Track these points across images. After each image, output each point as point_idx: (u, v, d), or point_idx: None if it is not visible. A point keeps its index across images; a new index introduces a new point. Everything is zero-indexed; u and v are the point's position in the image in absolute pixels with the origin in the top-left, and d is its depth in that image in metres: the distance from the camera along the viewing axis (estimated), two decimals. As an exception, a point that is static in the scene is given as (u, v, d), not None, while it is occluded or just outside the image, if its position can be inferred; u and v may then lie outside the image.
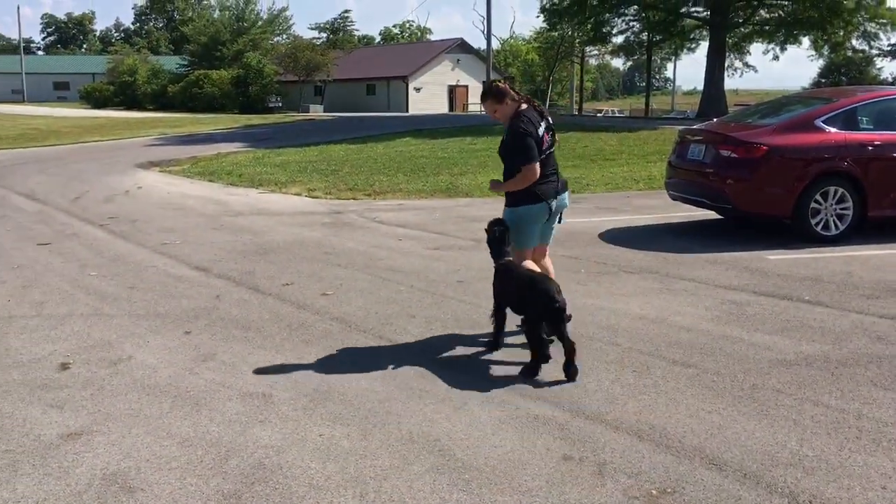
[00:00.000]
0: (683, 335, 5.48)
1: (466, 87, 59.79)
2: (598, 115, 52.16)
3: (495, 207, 11.44)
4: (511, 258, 5.09)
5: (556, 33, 50.55)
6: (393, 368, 4.93)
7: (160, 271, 7.61)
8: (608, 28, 40.31)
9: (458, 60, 59.45)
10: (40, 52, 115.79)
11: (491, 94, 5.11)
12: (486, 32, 44.26)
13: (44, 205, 12.15)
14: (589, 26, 39.30)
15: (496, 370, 4.87)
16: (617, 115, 58.16)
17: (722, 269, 7.35)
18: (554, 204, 5.20)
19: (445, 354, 5.18)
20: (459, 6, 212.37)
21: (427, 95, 56.74)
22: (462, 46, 60.69)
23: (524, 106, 5.15)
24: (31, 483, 3.51)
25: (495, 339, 5.21)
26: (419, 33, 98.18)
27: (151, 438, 3.96)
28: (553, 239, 5.54)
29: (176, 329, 5.78)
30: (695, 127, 10.49)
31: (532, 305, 4.72)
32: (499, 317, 5.16)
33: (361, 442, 3.89)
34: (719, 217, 9.71)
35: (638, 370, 4.82)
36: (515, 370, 4.82)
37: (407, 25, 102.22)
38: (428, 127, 29.98)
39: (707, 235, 9.11)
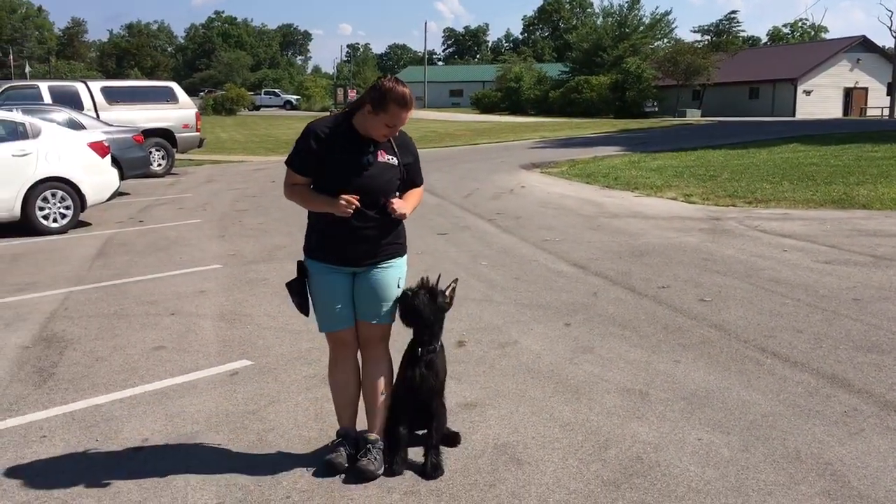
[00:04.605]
0: None
1: (866, 89, 54.01)
2: None
3: (900, 222, 10.28)
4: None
5: None
6: (778, 383, 4.69)
7: (541, 265, 8.05)
8: None
9: (858, 60, 53.84)
10: (440, 63, 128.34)
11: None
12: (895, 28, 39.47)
13: (442, 199, 13.50)
14: None
15: (899, 399, 4.39)
16: None
17: None
18: None
19: (838, 375, 4.78)
20: (862, 0, 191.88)
21: (818, 99, 52.23)
22: (864, 44, 54.81)
23: None
24: (436, 441, 3.97)
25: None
26: (812, 32, 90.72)
27: (536, 418, 4.24)
28: None
29: (556, 320, 6.09)
30: None
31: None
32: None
33: (743, 453, 3.78)
34: None
35: None
36: (924, 402, 4.31)
37: (799, 24, 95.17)
38: (819, 132, 27.71)
39: None
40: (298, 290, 3.64)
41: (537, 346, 5.45)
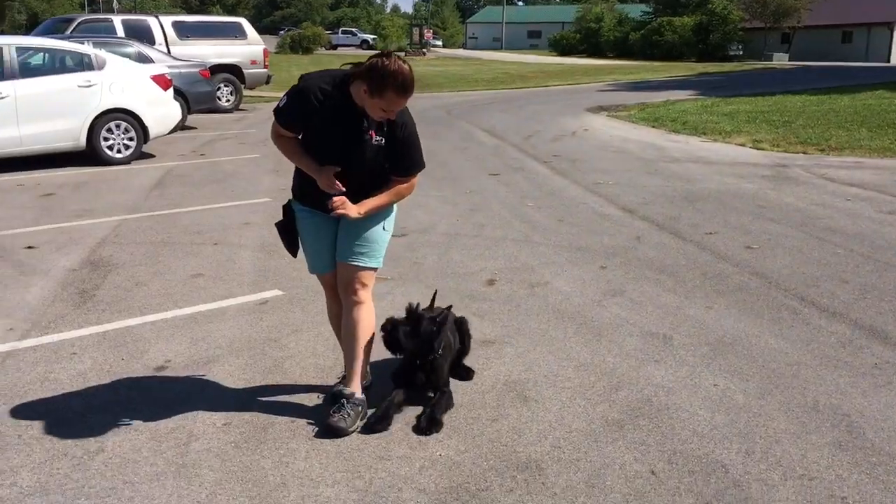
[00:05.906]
0: None
1: (971, 33, 50.66)
2: None
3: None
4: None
5: None
6: (811, 332, 4.52)
7: (588, 208, 7.91)
8: None
9: (964, 2, 50.44)
10: (520, 3, 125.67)
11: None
12: None
13: (500, 140, 13.34)
14: None
15: (938, 355, 4.19)
16: None
17: None
18: None
19: (877, 327, 4.59)
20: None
21: (916, 43, 49.31)
22: (973, -16, 51.24)
23: None
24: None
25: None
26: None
27: (552, 358, 4.20)
28: None
29: (593, 263, 6.00)
30: None
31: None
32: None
33: (758, 400, 3.68)
34: None
35: None
36: (963, 358, 4.10)
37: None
38: (911, 79, 26.21)
39: None
40: (287, 232, 3.56)
41: (568, 288, 5.38)
